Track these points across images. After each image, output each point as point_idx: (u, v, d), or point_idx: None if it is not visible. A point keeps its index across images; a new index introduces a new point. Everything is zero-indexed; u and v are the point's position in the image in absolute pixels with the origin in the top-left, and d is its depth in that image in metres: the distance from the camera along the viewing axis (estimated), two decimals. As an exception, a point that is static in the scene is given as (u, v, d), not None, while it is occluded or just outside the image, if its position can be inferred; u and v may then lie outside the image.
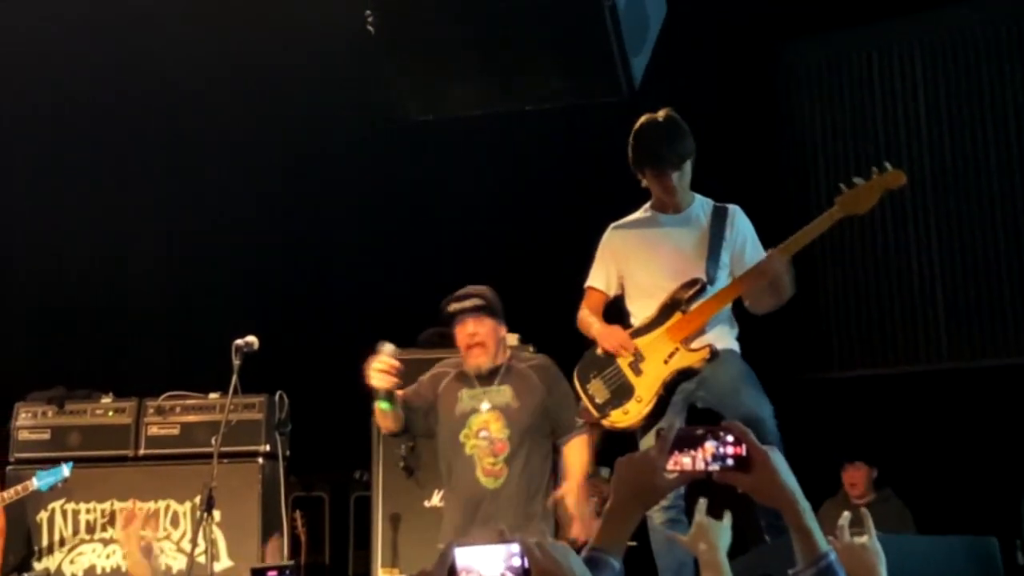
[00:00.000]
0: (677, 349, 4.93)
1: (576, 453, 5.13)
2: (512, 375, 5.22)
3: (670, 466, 2.25)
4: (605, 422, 5.04)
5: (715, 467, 2.23)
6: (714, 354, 4.90)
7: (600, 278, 5.23)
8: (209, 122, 8.23)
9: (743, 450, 2.21)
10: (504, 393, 5.19)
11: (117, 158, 8.51)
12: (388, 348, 5.01)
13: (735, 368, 4.95)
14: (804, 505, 2.20)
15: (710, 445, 2.23)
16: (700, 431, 2.26)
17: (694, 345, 4.94)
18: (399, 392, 5.16)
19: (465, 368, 5.25)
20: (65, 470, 6.45)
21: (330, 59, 7.72)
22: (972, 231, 8.26)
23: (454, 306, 5.19)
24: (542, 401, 5.16)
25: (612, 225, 5.27)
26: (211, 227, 8.56)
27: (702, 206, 5.16)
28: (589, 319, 5.16)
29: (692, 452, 2.24)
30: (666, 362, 4.94)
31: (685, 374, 4.94)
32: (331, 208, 8.57)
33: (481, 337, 5.16)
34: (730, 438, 2.22)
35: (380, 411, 5.07)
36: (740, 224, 5.12)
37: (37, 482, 6.41)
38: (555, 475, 5.31)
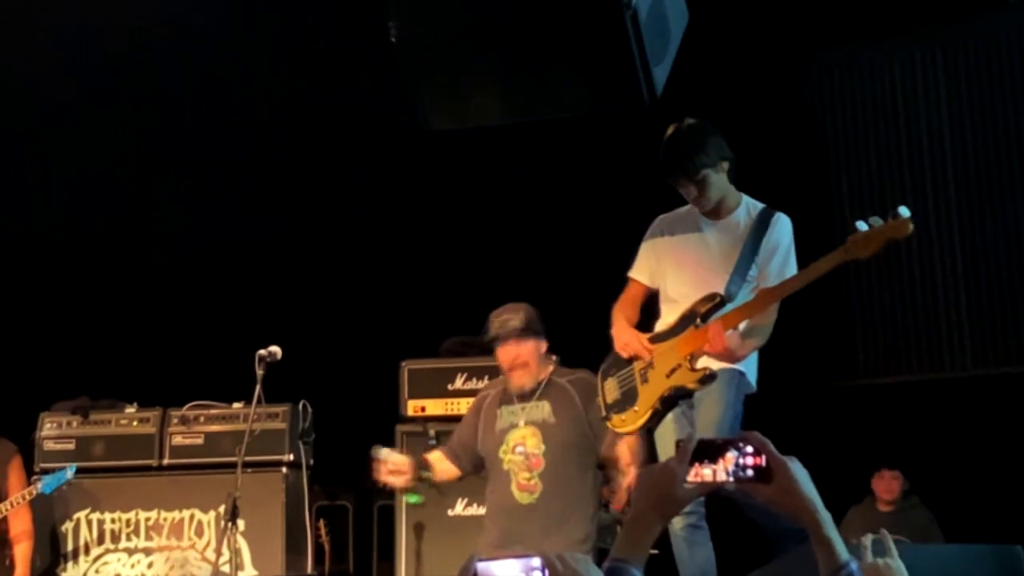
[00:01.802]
0: (680, 365, 4.71)
1: (623, 443, 5.00)
2: (551, 390, 5.29)
3: (691, 477, 2.25)
4: (608, 424, 4.95)
5: (735, 478, 2.22)
6: (710, 377, 4.66)
7: (643, 270, 5.04)
8: (228, 130, 8.25)
9: (763, 460, 2.20)
10: (542, 409, 5.25)
11: (137, 163, 8.54)
12: (383, 452, 5.33)
13: (719, 408, 4.71)
14: (824, 515, 2.19)
15: (731, 456, 2.22)
16: (720, 441, 2.26)
17: (697, 364, 4.70)
18: (439, 453, 5.53)
19: (508, 387, 5.36)
20: (68, 472, 6.47)
21: (354, 69, 7.74)
22: (995, 237, 8.20)
23: (496, 330, 5.29)
24: (579, 416, 5.19)
25: (660, 217, 5.08)
26: (235, 236, 8.58)
27: (748, 211, 4.90)
28: (616, 314, 5.00)
29: (712, 463, 2.23)
30: (668, 376, 4.73)
31: (681, 392, 4.73)
32: (355, 217, 8.58)
33: (523, 358, 5.28)
34: (750, 448, 2.21)
35: (410, 504, 5.66)
36: (776, 235, 4.83)
37: (40, 486, 6.43)
38: (608, 488, 5.35)
